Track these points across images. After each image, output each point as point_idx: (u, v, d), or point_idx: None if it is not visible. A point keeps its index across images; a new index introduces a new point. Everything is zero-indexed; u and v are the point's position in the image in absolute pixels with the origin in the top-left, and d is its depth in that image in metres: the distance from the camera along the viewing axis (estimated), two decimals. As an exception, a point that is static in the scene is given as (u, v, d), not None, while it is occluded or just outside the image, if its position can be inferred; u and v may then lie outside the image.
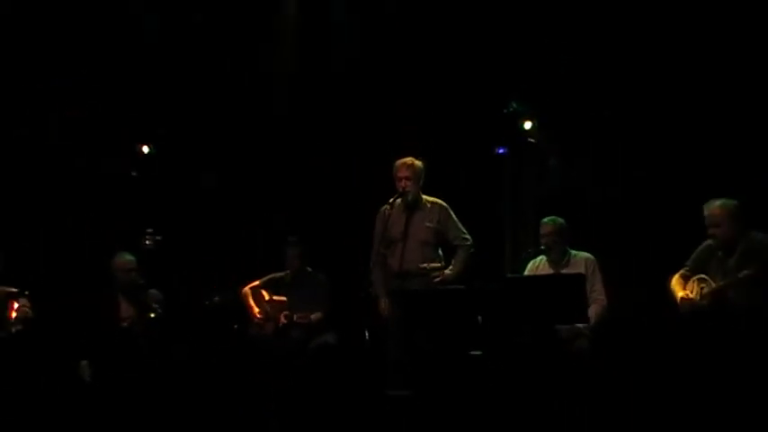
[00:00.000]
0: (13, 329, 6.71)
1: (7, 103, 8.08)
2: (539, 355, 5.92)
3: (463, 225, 6.64)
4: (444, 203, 6.64)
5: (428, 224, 6.55)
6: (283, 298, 7.30)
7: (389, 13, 8.01)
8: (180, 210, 8.21)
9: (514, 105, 7.38)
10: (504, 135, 7.58)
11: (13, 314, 6.72)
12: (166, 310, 6.98)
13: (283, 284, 7.41)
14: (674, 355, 5.90)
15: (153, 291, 7.05)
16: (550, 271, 6.41)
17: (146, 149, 8.23)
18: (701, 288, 5.90)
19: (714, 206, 5.86)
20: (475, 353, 6.10)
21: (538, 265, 6.52)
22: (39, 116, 8.21)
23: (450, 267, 6.54)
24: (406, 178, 6.51)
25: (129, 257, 7.02)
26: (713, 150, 6.96)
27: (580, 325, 6.12)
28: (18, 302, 6.85)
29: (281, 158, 8.40)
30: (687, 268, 6.07)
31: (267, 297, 7.36)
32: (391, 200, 6.49)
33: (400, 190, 6.51)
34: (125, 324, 6.83)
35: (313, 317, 7.18)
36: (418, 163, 6.57)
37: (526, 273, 6.52)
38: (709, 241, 5.96)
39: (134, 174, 8.16)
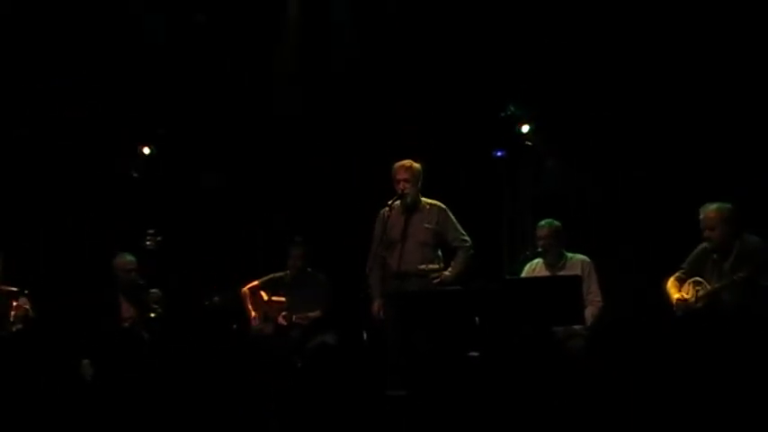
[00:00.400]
0: (14, 329, 6.74)
1: (7, 103, 8.10)
2: (536, 356, 5.96)
3: (462, 227, 6.70)
4: (443, 205, 6.68)
5: (427, 225, 6.59)
6: (282, 299, 7.32)
7: (389, 17, 8.04)
8: (180, 210, 8.22)
9: (512, 108, 7.42)
10: (501, 138, 7.61)
11: (12, 313, 6.76)
12: (167, 310, 7.02)
13: (283, 284, 7.43)
14: (670, 356, 5.95)
15: (153, 291, 7.08)
16: (547, 273, 6.45)
17: (146, 150, 8.25)
18: (697, 290, 5.96)
19: (709, 209, 5.91)
20: (472, 354, 6.14)
21: (535, 268, 6.56)
22: (39, 116, 8.23)
23: (450, 269, 6.58)
24: (405, 180, 6.55)
25: (129, 258, 7.05)
26: (709, 153, 7.00)
27: (576, 326, 6.17)
28: (18, 302, 6.90)
29: (282, 159, 8.41)
30: (683, 271, 6.12)
31: (266, 298, 7.38)
32: (390, 202, 6.52)
33: (399, 192, 6.55)
34: (126, 324, 6.87)
35: (312, 314, 7.21)
36: (417, 165, 6.60)
37: (523, 275, 6.56)
38: (704, 244, 6.01)
39: (135, 174, 8.17)
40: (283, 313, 7.23)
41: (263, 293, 7.40)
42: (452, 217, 6.65)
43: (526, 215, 7.41)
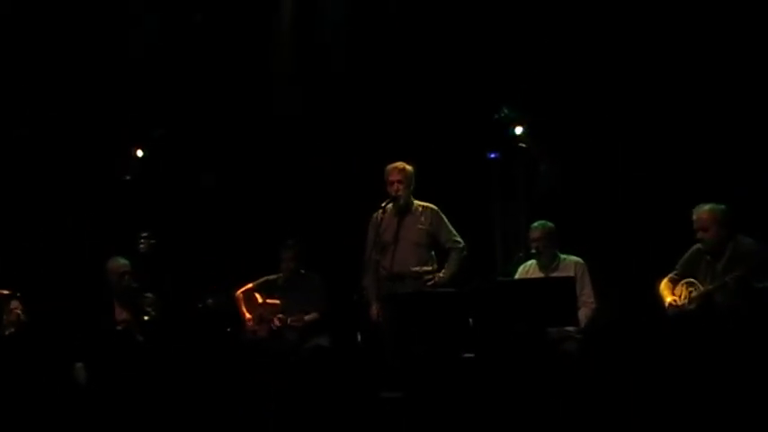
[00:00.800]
0: (6, 332, 6.73)
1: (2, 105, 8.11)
2: (529, 357, 5.97)
3: (455, 229, 6.71)
4: (435, 207, 6.70)
5: (420, 226, 6.62)
6: (276, 301, 7.31)
7: (382, 19, 8.05)
8: (174, 213, 8.21)
9: (506, 111, 7.43)
10: (495, 140, 7.62)
11: (5, 316, 6.75)
12: (160, 314, 7.01)
13: (276, 287, 7.41)
14: (663, 358, 5.97)
15: (147, 294, 7.07)
16: (541, 275, 6.46)
17: (140, 153, 8.24)
18: (690, 292, 5.98)
19: (703, 211, 5.94)
20: (467, 355, 6.16)
21: (528, 269, 6.57)
22: (30, 119, 8.23)
23: (443, 270, 6.60)
24: (399, 182, 6.58)
25: (122, 261, 7.03)
26: (702, 154, 7.01)
27: (570, 328, 6.18)
28: (10, 305, 6.88)
29: (276, 161, 8.41)
30: (676, 272, 6.15)
31: (260, 300, 7.37)
32: (384, 204, 6.54)
33: (393, 194, 6.57)
34: (119, 327, 6.85)
35: (307, 317, 7.21)
36: (409, 167, 6.63)
37: (517, 276, 6.57)
38: (697, 245, 6.03)
39: (128, 177, 8.15)
40: (278, 315, 7.22)
41: (257, 296, 7.39)
42: (445, 218, 6.68)
43: (520, 217, 7.42)
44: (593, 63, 7.40)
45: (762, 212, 6.49)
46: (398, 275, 6.52)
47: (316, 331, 7.19)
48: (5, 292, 6.80)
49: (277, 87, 8.40)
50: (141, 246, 7.29)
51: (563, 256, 6.50)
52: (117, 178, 8.16)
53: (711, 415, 5.53)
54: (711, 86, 7.01)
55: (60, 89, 8.19)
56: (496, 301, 5.98)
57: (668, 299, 6.05)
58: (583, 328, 6.22)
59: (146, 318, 6.91)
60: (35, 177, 8.21)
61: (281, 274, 7.43)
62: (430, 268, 6.60)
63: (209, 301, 7.53)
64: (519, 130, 7.46)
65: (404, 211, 6.62)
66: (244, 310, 7.36)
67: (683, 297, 6.00)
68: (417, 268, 6.56)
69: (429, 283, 6.53)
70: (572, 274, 6.31)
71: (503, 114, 7.43)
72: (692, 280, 6.00)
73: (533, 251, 6.50)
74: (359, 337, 6.92)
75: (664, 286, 6.14)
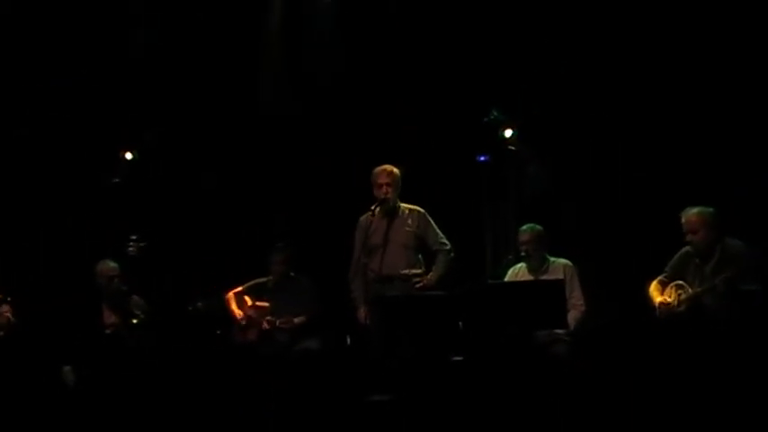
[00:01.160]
0: (-4, 335, 6.74)
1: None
2: (519, 360, 5.97)
3: (445, 232, 6.71)
4: (422, 210, 6.72)
5: (407, 228, 6.62)
6: (266, 303, 7.31)
7: (373, 23, 8.06)
8: (163, 216, 8.20)
9: (495, 113, 7.44)
10: (485, 143, 7.63)
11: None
12: (149, 317, 7.00)
13: (266, 290, 7.41)
14: (652, 360, 5.97)
15: (136, 297, 7.07)
16: (530, 277, 6.46)
17: (129, 156, 8.22)
18: (679, 294, 5.99)
19: (691, 214, 5.95)
20: (456, 358, 6.16)
21: (517, 272, 6.57)
22: (17, 122, 8.22)
23: (431, 273, 6.60)
24: (388, 185, 6.59)
25: (112, 264, 7.03)
26: (691, 157, 7.03)
27: (559, 331, 6.18)
28: (0, 309, 6.87)
29: (267, 164, 8.40)
30: (665, 274, 6.16)
31: (250, 303, 7.37)
32: (373, 207, 6.55)
33: (382, 197, 6.57)
34: (108, 331, 6.84)
35: (297, 320, 7.21)
36: (396, 170, 6.65)
37: (506, 279, 6.58)
38: (686, 248, 6.05)
39: (117, 180, 8.14)
40: (267, 317, 7.22)
41: (246, 298, 7.39)
42: (432, 221, 6.69)
43: (509, 220, 7.42)
44: (582, 66, 7.41)
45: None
46: (387, 278, 6.53)
47: (305, 334, 7.19)
48: (-6, 295, 6.80)
49: (266, 88, 8.39)
50: (130, 249, 7.28)
51: (552, 258, 6.50)
52: (106, 181, 8.13)
53: (701, 416, 5.54)
54: (699, 88, 7.03)
55: (48, 92, 8.18)
56: (486, 303, 5.97)
57: (658, 299, 6.06)
58: (572, 331, 6.22)
59: (134, 321, 6.91)
60: (24, 180, 8.19)
61: (270, 277, 7.43)
62: (419, 271, 6.61)
63: (199, 304, 7.52)
64: (508, 132, 7.47)
65: (392, 213, 6.63)
66: (234, 307, 7.34)
67: (672, 299, 6.02)
68: (406, 271, 6.57)
69: (417, 286, 6.53)
70: (561, 276, 6.30)
71: (492, 117, 7.43)
72: (681, 282, 6.01)
73: (523, 254, 6.49)
74: (348, 341, 6.93)
75: (653, 288, 6.16)
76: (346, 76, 8.10)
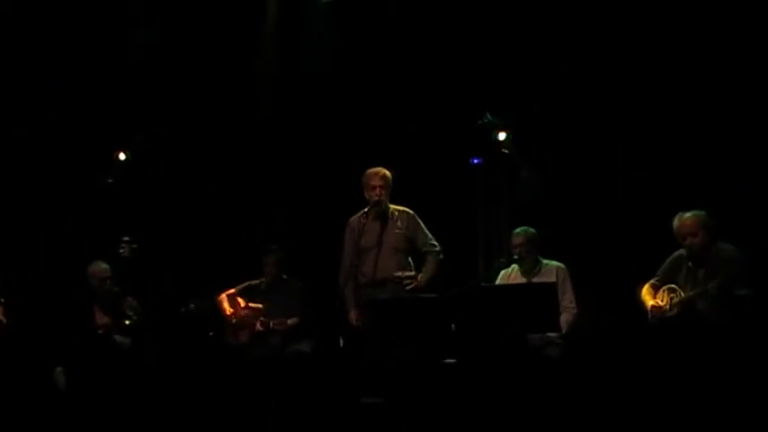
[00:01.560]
0: (-13, 336, 6.72)
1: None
2: (511, 363, 5.98)
3: (438, 234, 6.71)
4: (411, 211, 6.72)
5: (397, 231, 6.63)
6: (259, 305, 7.31)
7: (367, 26, 8.06)
8: (156, 217, 8.19)
9: (489, 117, 7.45)
10: (478, 145, 7.63)
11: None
12: (142, 318, 6.99)
13: (259, 292, 7.41)
14: (644, 363, 5.98)
15: (128, 299, 7.06)
16: (522, 280, 6.47)
17: (122, 156, 8.21)
18: (671, 298, 5.99)
19: (687, 217, 5.95)
20: (449, 361, 6.16)
21: (510, 275, 6.58)
22: (10, 125, 8.21)
23: (421, 275, 6.60)
24: (381, 187, 6.59)
25: (104, 266, 7.03)
26: (682, 161, 7.04)
27: (552, 334, 6.19)
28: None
29: (260, 166, 8.40)
30: (657, 278, 6.16)
31: (243, 304, 7.37)
32: (366, 209, 6.55)
33: (375, 199, 6.58)
34: (100, 332, 6.84)
35: (290, 321, 7.20)
36: (388, 173, 6.66)
37: (498, 282, 6.57)
38: (679, 251, 6.05)
39: (110, 181, 8.12)
40: (261, 319, 7.22)
41: (239, 300, 7.38)
42: (421, 222, 6.70)
43: (502, 222, 7.42)
44: (576, 70, 7.42)
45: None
46: (380, 281, 6.52)
47: (297, 337, 7.18)
48: (-13, 297, 6.79)
49: (260, 90, 8.39)
50: (123, 250, 7.28)
51: (545, 261, 6.51)
52: (99, 182, 8.12)
53: (693, 420, 5.55)
54: (693, 92, 7.04)
55: (48, 92, 8.17)
56: (478, 306, 5.97)
57: (650, 303, 6.07)
58: (564, 334, 6.23)
59: (127, 322, 6.90)
60: (16, 182, 8.17)
61: (263, 279, 7.42)
62: (411, 273, 6.61)
63: (192, 305, 7.52)
64: (502, 135, 7.47)
65: (383, 215, 6.63)
66: (226, 305, 7.32)
67: (664, 303, 6.02)
68: (399, 273, 6.57)
69: (408, 288, 6.53)
70: (554, 279, 6.32)
71: (486, 120, 7.43)
72: (673, 286, 6.01)
73: (515, 257, 6.50)
74: (341, 343, 6.92)
75: (645, 292, 6.16)
76: (340, 78, 8.11)
